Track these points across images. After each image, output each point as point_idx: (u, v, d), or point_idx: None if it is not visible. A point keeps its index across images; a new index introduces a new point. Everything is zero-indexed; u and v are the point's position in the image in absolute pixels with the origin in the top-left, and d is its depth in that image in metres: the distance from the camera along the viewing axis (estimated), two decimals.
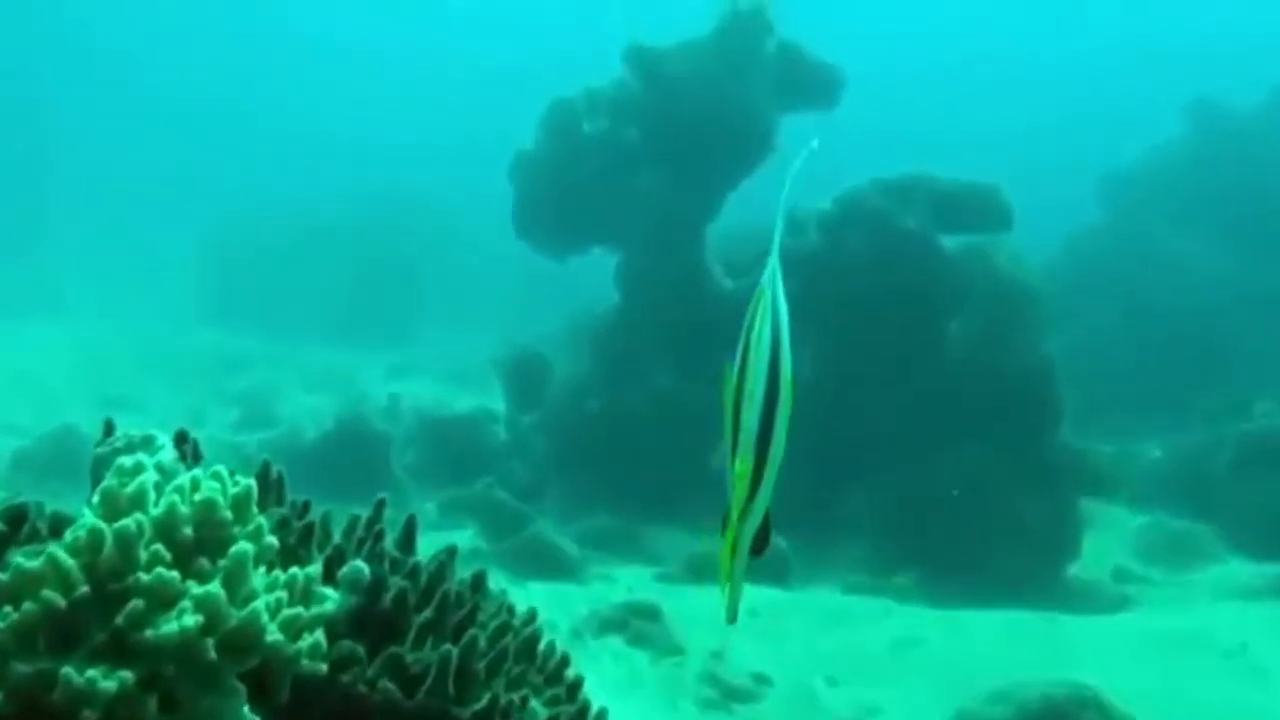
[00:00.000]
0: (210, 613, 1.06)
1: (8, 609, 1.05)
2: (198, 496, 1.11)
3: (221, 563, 1.10)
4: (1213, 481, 6.94)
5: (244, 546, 1.10)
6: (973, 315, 5.85)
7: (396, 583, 1.34)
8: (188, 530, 1.10)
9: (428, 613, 1.33)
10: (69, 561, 1.06)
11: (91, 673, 1.01)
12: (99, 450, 1.27)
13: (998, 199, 5.93)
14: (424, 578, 1.37)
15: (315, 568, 1.17)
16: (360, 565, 1.31)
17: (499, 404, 6.62)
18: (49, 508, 1.25)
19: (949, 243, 5.91)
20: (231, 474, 1.16)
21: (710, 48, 5.87)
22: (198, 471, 1.14)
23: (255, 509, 1.15)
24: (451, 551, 1.41)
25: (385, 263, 10.76)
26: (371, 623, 1.31)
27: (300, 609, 1.12)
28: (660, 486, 5.56)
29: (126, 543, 1.06)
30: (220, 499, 1.12)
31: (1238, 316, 8.73)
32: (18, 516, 1.22)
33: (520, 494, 5.46)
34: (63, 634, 1.05)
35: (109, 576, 1.06)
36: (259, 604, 1.09)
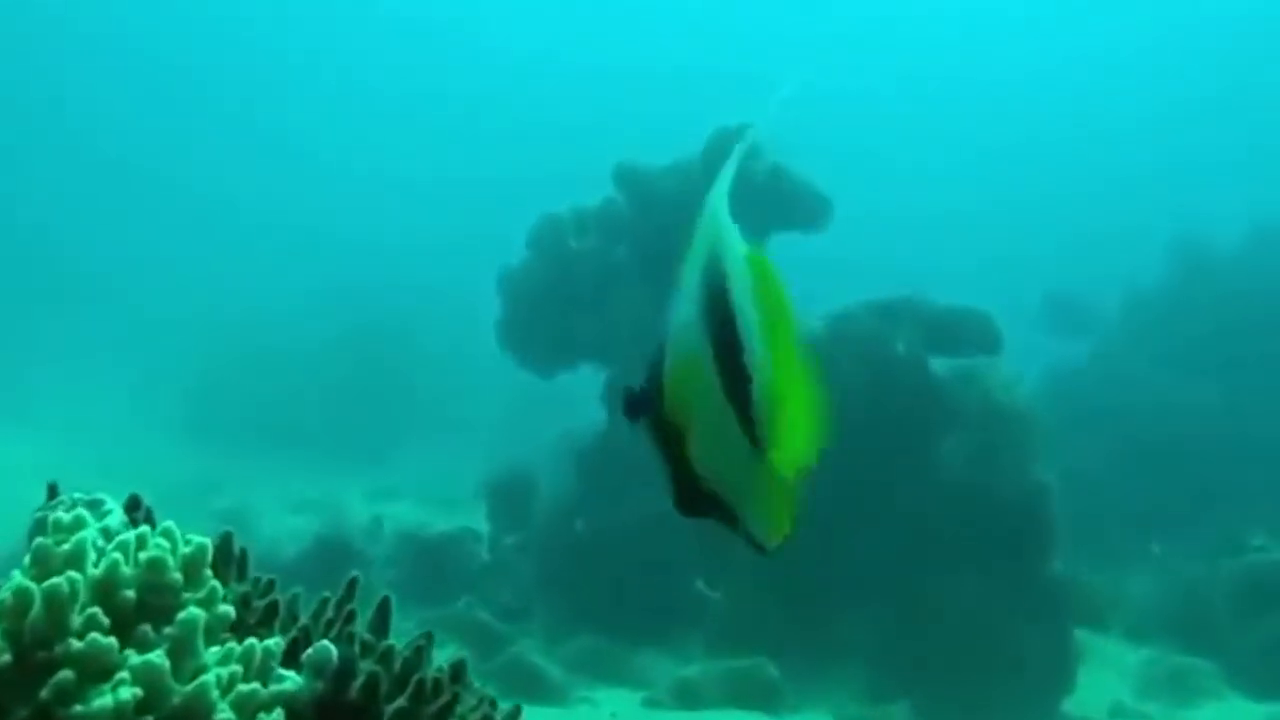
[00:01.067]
0: (151, 686, 0.92)
1: None
2: (143, 555, 0.99)
3: (168, 630, 0.97)
4: (1210, 616, 6.77)
5: (194, 613, 0.97)
6: (965, 439, 5.76)
7: (367, 667, 1.20)
8: (129, 593, 0.97)
9: (401, 701, 1.18)
10: None
11: None
12: (38, 514, 1.15)
13: (989, 324, 5.92)
14: (398, 663, 1.23)
15: (276, 640, 1.04)
16: (327, 646, 1.17)
17: (482, 524, 6.45)
18: None
19: (939, 366, 5.87)
20: (184, 537, 1.04)
21: (699, 168, 5.93)
22: (145, 528, 1.02)
23: (209, 573, 1.03)
24: (429, 636, 1.27)
25: (365, 379, 10.65)
26: (339, 711, 1.16)
27: (257, 686, 0.98)
28: (648, 609, 5.36)
29: (57, 604, 0.93)
30: (169, 558, 0.99)
31: (1227, 452, 8.68)
32: None
33: (503, 615, 5.27)
34: None
35: (35, 644, 0.93)
36: (208, 678, 0.95)
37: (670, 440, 0.78)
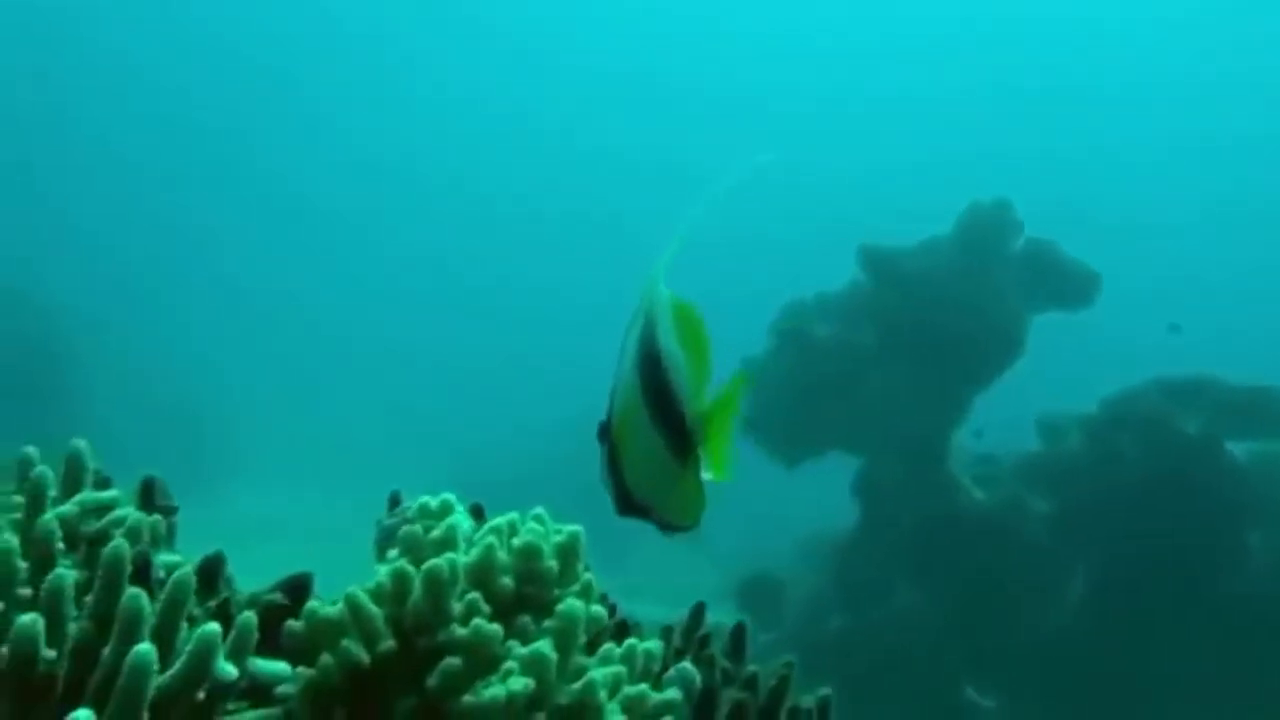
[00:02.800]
0: (540, 679, 0.83)
1: (299, 670, 0.85)
2: (517, 541, 0.91)
3: (547, 623, 0.88)
4: None
5: (575, 604, 0.88)
6: (1275, 531, 5.18)
7: (733, 695, 1.07)
8: (506, 580, 0.89)
9: None
10: (372, 608, 0.86)
11: None
12: (387, 522, 1.09)
13: None
14: (763, 693, 1.09)
15: (655, 643, 0.93)
16: (689, 667, 1.05)
17: (731, 622, 6.23)
18: None
19: (1239, 450, 5.33)
20: (554, 526, 0.96)
21: (950, 246, 5.70)
22: (514, 514, 0.94)
23: (581, 565, 0.93)
24: (790, 665, 1.14)
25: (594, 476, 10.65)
26: None
27: (645, 688, 0.87)
28: (906, 708, 5.00)
29: (438, 588, 0.85)
30: (544, 545, 0.91)
31: None
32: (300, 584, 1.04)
33: None
34: (365, 696, 0.84)
35: (417, 629, 0.85)
36: (596, 675, 0.85)
37: (615, 461, 0.93)
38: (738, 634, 1.16)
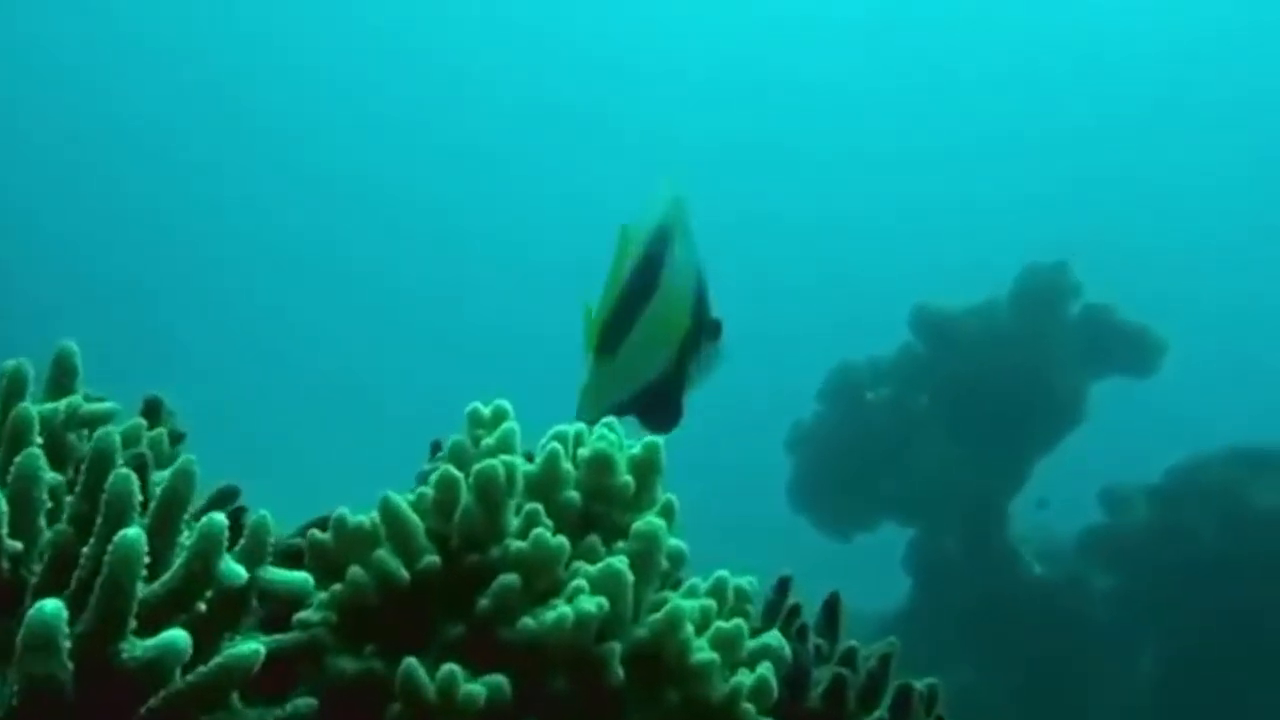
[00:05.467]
0: (617, 601, 0.68)
1: (325, 590, 0.71)
2: (585, 451, 0.76)
3: (622, 545, 0.73)
4: None
5: (655, 523, 0.73)
6: None
7: (830, 671, 0.91)
8: (572, 494, 0.74)
9: (880, 713, 0.88)
10: (413, 517, 0.71)
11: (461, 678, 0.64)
12: (428, 468, 0.95)
13: None
14: (863, 672, 0.93)
15: (750, 578, 0.77)
16: (778, 636, 0.88)
17: None
18: None
19: None
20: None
21: (1005, 309, 5.54)
22: (581, 424, 0.79)
23: (660, 483, 0.78)
24: (894, 644, 0.97)
25: None
26: (793, 717, 0.87)
27: (740, 623, 0.71)
28: None
29: (492, 495, 0.70)
30: (618, 457, 0.76)
31: None
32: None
33: None
34: (402, 621, 0.69)
35: (467, 544, 0.71)
36: (681, 603, 0.70)
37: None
38: (831, 607, 0.99)
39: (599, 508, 0.75)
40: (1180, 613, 5.17)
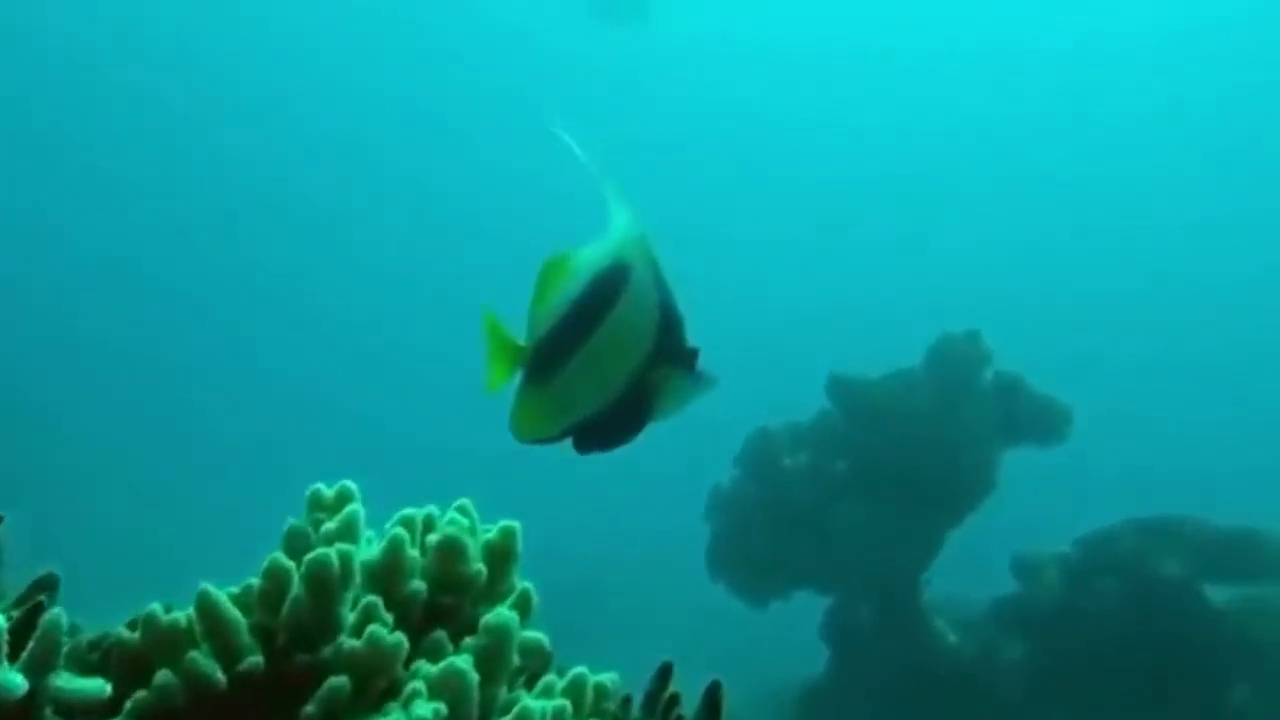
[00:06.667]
0: (456, 706, 0.61)
1: (137, 694, 0.63)
2: (434, 538, 0.70)
3: (470, 640, 0.66)
4: None
5: (507, 615, 0.67)
6: (1264, 683, 4.94)
7: None
8: (418, 584, 0.68)
9: None
10: (232, 613, 0.64)
11: None
12: (296, 524, 0.88)
13: (1275, 547, 5.18)
14: None
15: (611, 675, 0.71)
16: None
17: None
18: None
19: (1219, 594, 5.13)
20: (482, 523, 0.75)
21: (919, 378, 5.59)
22: (433, 506, 0.73)
23: (516, 570, 0.73)
24: None
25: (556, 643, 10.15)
26: None
27: None
28: None
29: (324, 586, 0.64)
30: (469, 544, 0.70)
31: None
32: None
33: None
34: None
35: (295, 641, 0.64)
36: (531, 705, 0.64)
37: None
38: (712, 696, 0.93)
39: (447, 599, 0.69)
40: (1090, 684, 5.20)
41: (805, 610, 5.80)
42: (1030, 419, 5.68)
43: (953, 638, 5.52)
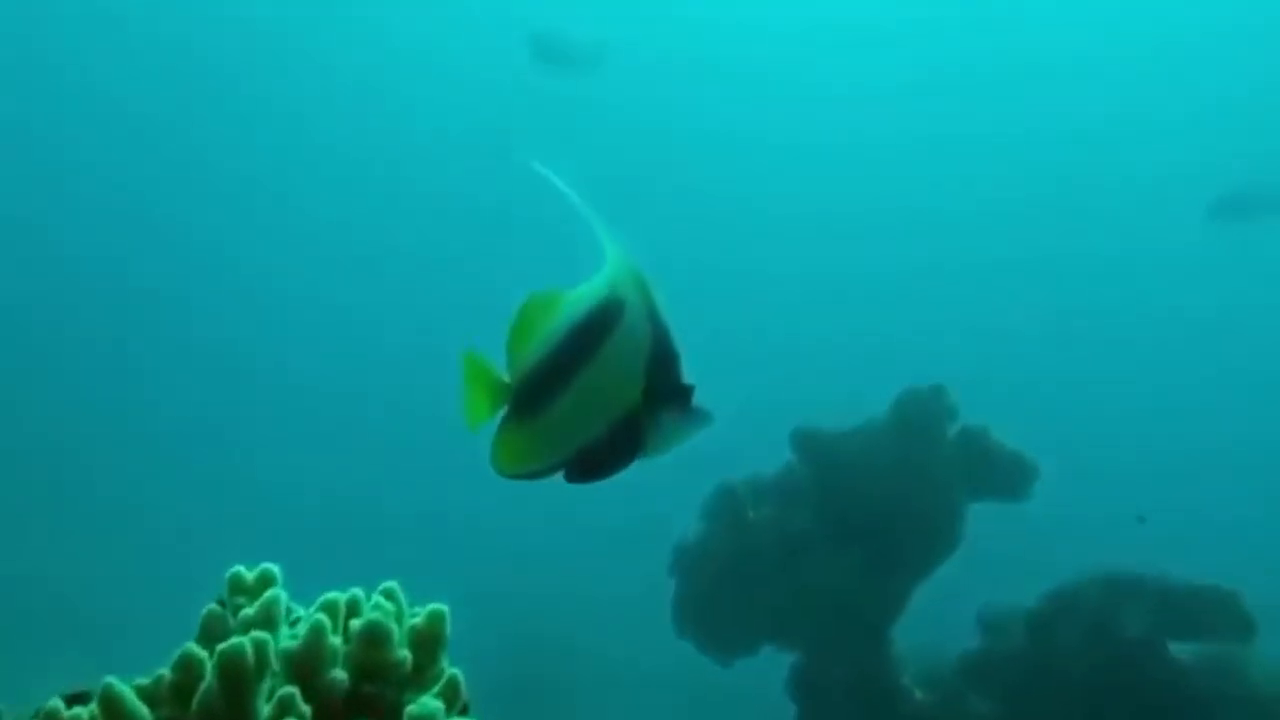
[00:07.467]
0: None
1: None
2: (357, 623, 0.67)
3: None
4: None
5: (431, 706, 0.64)
6: None
7: None
8: (338, 674, 0.65)
9: None
10: (136, 708, 0.61)
11: None
12: (215, 608, 0.85)
13: (1238, 607, 5.19)
14: None
15: None
16: None
17: None
18: None
19: (1183, 651, 5.13)
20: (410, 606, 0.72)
21: (885, 431, 5.60)
22: (358, 589, 0.71)
23: (445, 656, 0.70)
24: None
25: (525, 699, 9.99)
26: None
27: None
28: None
29: (238, 678, 0.61)
30: (394, 629, 0.67)
31: None
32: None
33: None
34: None
35: None
36: None
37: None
38: None
39: (370, 688, 0.66)
40: None
41: (771, 666, 5.75)
42: (996, 473, 5.70)
43: (919, 694, 5.48)
